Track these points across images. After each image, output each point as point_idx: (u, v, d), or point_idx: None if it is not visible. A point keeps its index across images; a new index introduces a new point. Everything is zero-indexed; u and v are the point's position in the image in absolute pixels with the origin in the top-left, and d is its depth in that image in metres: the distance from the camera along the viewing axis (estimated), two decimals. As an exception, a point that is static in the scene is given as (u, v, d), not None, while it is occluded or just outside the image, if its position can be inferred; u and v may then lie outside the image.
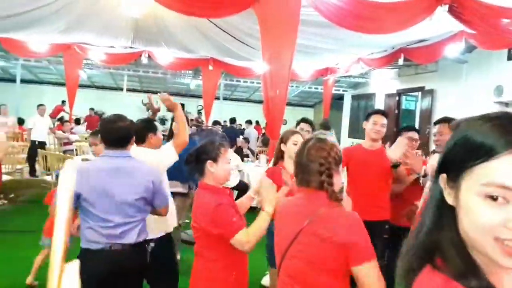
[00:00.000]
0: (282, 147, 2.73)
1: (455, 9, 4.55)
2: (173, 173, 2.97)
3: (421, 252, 0.65)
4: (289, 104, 4.67)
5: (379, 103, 12.06)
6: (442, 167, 0.65)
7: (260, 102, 16.63)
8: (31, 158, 8.02)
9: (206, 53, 9.22)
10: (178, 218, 3.67)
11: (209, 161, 1.97)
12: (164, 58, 9.40)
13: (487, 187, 0.57)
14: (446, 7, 4.48)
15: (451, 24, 5.49)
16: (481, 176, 0.58)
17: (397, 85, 11.30)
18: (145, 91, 16.37)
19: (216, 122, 10.28)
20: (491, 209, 0.57)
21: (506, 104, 7.76)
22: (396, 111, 11.33)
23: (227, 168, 2.02)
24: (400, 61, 7.92)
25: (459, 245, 0.62)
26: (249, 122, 11.31)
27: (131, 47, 9.12)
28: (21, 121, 10.04)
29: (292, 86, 13.24)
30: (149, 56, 9.23)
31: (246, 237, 1.83)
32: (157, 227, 2.58)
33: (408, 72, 10.47)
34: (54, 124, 9.91)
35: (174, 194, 3.44)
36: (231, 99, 16.46)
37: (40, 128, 8.34)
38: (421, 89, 10.26)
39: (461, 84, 8.87)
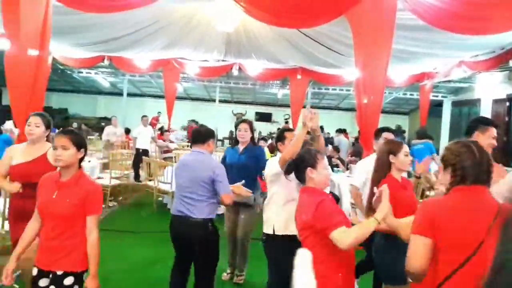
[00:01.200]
0: (392, 158, 2.64)
1: None
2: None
3: None
4: (382, 111, 4.48)
5: (485, 110, 10.87)
6: None
7: (348, 110, 16.20)
8: (136, 165, 8.86)
9: (295, 63, 9.31)
10: (246, 229, 3.73)
11: (309, 168, 2.16)
12: (254, 69, 9.73)
13: None
14: None
15: None
16: None
17: (507, 89, 10.08)
18: (235, 102, 17.13)
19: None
20: None
21: None
22: (507, 119, 10.10)
23: (326, 173, 2.21)
24: (511, 63, 7.06)
25: None
26: (339, 131, 11.10)
27: (223, 60, 9.63)
28: (127, 131, 11.21)
29: (385, 93, 12.64)
30: (239, 68, 9.64)
31: (344, 234, 1.89)
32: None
33: (522, 74, 9.28)
34: (154, 133, 10.86)
35: (239, 205, 3.55)
36: (319, 107, 16.33)
37: (143, 137, 9.19)
38: (538, 93, 9.01)
39: None
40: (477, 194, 1.61)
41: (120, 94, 15.25)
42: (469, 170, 1.62)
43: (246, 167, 3.55)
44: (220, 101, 15.06)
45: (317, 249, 2.00)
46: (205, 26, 7.03)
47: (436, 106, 12.67)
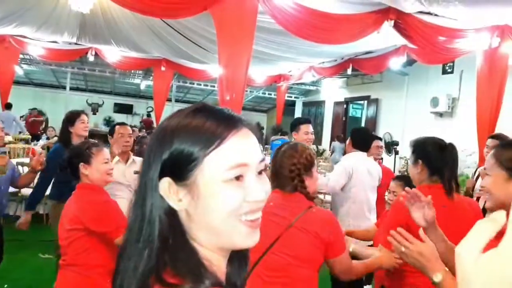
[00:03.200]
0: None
1: (400, 25, 4.87)
2: None
3: (148, 274, 0.58)
4: (243, 108, 4.70)
5: (328, 111, 12.51)
6: (162, 173, 0.60)
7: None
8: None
9: (159, 54, 8.96)
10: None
11: (81, 164, 1.93)
12: (113, 56, 8.99)
13: (230, 170, 0.59)
14: (392, 22, 4.77)
15: (395, 39, 5.84)
16: (219, 163, 0.59)
17: (345, 93, 11.79)
18: (90, 91, 15.58)
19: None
20: (236, 189, 0.59)
21: (441, 114, 8.39)
22: (344, 119, 11.81)
23: (103, 168, 1.97)
24: (349, 71, 8.28)
25: (192, 251, 0.61)
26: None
27: (76, 43, 8.60)
28: None
29: (247, 91, 13.29)
30: (96, 54, 8.78)
31: None
32: None
33: (356, 81, 10.97)
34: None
35: None
36: (184, 101, 16.16)
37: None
38: (367, 98, 10.79)
39: (403, 95, 9.47)
40: (280, 199, 1.68)
41: None
42: (272, 177, 1.72)
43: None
44: (72, 88, 13.49)
45: (92, 252, 1.85)
46: (54, 2, 6.16)
47: (290, 106, 13.99)
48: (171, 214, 0.60)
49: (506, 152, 1.30)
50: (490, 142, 3.31)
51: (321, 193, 5.13)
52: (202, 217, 0.60)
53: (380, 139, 4.06)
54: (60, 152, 2.98)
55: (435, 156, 1.79)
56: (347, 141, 3.32)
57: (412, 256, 1.21)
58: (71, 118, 3.12)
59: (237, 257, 0.67)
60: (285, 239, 1.60)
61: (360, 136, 3.31)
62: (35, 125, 11.39)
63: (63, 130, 3.09)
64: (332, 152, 10.53)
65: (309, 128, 3.27)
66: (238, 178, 0.59)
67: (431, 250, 1.21)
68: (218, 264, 0.62)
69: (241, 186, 0.60)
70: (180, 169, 0.59)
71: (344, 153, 3.89)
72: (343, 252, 1.66)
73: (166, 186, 0.60)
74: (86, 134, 3.15)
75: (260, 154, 0.63)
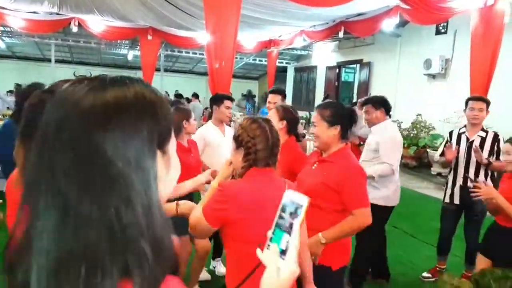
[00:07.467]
0: (185, 124, 2.67)
1: (393, -17, 4.71)
2: None
3: None
4: (233, 76, 4.59)
5: (321, 76, 12.34)
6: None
7: (203, 74, 16.21)
8: None
9: (145, 22, 8.66)
10: None
11: None
12: (97, 26, 8.68)
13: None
14: (385, -19, 4.61)
15: (387, -1, 5.67)
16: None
17: (337, 57, 11.59)
18: (77, 63, 15.17)
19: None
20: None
21: (433, 76, 8.32)
22: (336, 83, 11.69)
23: None
24: (340, 34, 8.09)
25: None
26: (195, 95, 11.06)
27: (57, 13, 8.26)
28: None
29: (237, 58, 13.02)
30: (79, 24, 8.46)
31: None
32: None
33: (347, 45, 10.76)
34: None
35: None
36: (173, 71, 15.84)
37: None
38: (359, 61, 10.63)
39: (395, 57, 9.32)
40: (272, 178, 1.53)
41: None
42: (268, 152, 1.51)
43: None
44: (58, 61, 13.11)
45: None
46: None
47: (282, 72, 13.78)
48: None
49: (326, 111, 1.99)
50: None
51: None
52: (166, 186, 0.58)
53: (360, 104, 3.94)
54: (11, 128, 2.73)
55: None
56: (373, 110, 3.13)
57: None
58: (25, 93, 2.76)
59: None
60: None
61: (386, 102, 3.28)
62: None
63: (18, 105, 2.81)
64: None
65: (274, 98, 3.34)
66: None
67: None
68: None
69: None
70: (166, 138, 0.56)
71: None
72: None
73: (161, 160, 0.55)
74: None
75: None
